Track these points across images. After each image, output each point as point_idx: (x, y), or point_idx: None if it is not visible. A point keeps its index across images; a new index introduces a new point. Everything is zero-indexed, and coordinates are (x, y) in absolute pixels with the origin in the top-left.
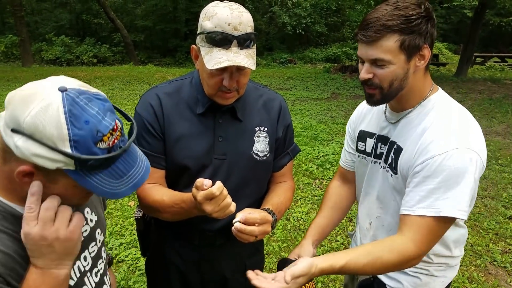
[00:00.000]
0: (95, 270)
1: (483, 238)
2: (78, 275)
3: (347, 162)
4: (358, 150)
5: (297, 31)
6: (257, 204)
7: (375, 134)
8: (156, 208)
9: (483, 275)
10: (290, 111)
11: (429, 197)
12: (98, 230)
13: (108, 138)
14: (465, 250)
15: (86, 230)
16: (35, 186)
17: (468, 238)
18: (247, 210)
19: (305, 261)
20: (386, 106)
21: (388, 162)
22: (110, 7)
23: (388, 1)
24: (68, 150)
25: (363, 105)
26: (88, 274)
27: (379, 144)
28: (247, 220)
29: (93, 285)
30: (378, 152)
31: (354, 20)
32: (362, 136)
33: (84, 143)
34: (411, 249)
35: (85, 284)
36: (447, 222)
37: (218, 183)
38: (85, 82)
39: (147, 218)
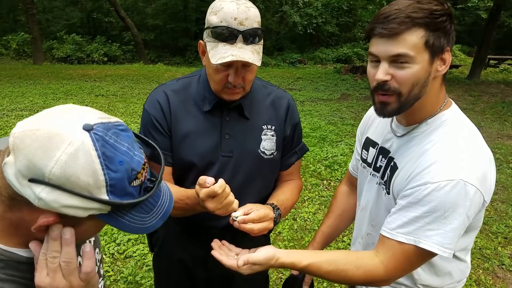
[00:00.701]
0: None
1: (492, 241)
2: None
3: (354, 168)
4: (361, 158)
5: (308, 31)
6: (263, 202)
7: (378, 144)
8: None
9: (490, 278)
10: (299, 112)
11: (411, 225)
12: (97, 250)
13: (142, 174)
14: (473, 253)
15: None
16: (67, 233)
17: (476, 242)
18: (248, 206)
19: (267, 251)
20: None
21: (384, 179)
22: (120, 5)
23: None
24: (105, 196)
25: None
26: None
27: (380, 156)
28: (245, 220)
29: None
30: (378, 165)
31: (366, 20)
32: (367, 143)
33: (120, 185)
34: (380, 272)
35: None
36: (426, 255)
37: (221, 181)
38: (95, 80)
39: None
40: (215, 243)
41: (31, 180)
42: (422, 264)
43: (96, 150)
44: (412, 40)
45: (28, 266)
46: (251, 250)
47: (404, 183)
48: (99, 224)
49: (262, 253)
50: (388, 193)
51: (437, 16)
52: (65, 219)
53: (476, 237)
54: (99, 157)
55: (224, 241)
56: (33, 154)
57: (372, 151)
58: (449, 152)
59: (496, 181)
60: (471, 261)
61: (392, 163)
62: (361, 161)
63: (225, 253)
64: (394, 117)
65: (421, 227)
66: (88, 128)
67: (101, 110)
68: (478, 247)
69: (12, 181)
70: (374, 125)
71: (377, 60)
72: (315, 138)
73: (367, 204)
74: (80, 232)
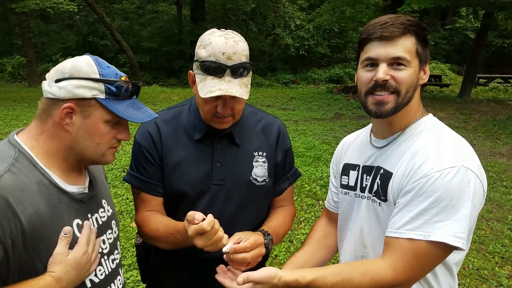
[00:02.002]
0: (112, 257)
1: (489, 261)
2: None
3: (330, 203)
4: (341, 185)
5: (300, 53)
6: (256, 230)
7: (359, 165)
8: (152, 237)
9: None
10: (293, 131)
11: (419, 219)
12: (114, 222)
13: (125, 80)
14: (470, 274)
15: (104, 217)
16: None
17: (473, 262)
18: (237, 235)
19: (269, 270)
20: (370, 135)
21: (374, 190)
22: (116, 29)
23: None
24: (99, 77)
25: (345, 139)
26: (105, 257)
27: (364, 175)
28: (236, 250)
29: (109, 269)
30: (363, 185)
31: (356, 42)
32: (346, 169)
33: (109, 77)
34: (387, 276)
35: (101, 265)
36: (439, 250)
37: (210, 217)
38: None
39: (147, 244)
40: (220, 268)
41: (57, 81)
42: (434, 266)
43: (92, 59)
44: (408, 45)
45: (51, 188)
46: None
47: (404, 180)
48: (105, 119)
49: (263, 272)
50: (385, 200)
51: (422, 28)
52: (79, 108)
53: (473, 257)
54: (93, 60)
55: (229, 267)
56: (56, 68)
57: (354, 174)
58: (444, 145)
59: (490, 199)
60: (468, 282)
61: (381, 171)
62: (341, 190)
63: (229, 277)
64: (372, 135)
65: (429, 219)
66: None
67: None
68: (476, 268)
69: (45, 89)
70: (349, 151)
71: (373, 64)
72: (310, 158)
73: (356, 226)
74: (92, 126)
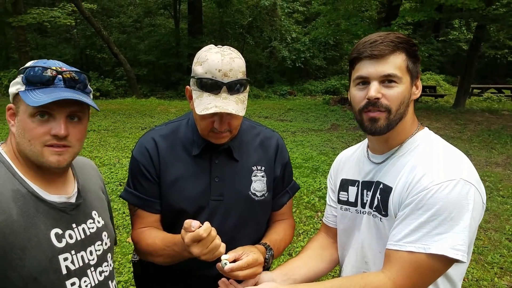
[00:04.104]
0: (100, 269)
1: (488, 272)
2: (80, 264)
3: (329, 218)
4: (340, 201)
5: (297, 65)
6: (258, 243)
7: (358, 181)
8: (149, 252)
9: None
10: (291, 142)
11: (418, 232)
12: (105, 233)
13: (42, 67)
14: (470, 286)
15: (93, 228)
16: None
17: (473, 273)
18: (239, 250)
19: (269, 284)
20: (367, 151)
21: (374, 205)
22: (113, 42)
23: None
24: (21, 75)
25: (342, 154)
26: (92, 269)
27: (365, 191)
28: (233, 270)
29: (96, 281)
30: (364, 201)
31: None
32: (344, 184)
33: (33, 69)
34: None
35: (87, 276)
36: (439, 262)
37: (206, 224)
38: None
39: (144, 262)
40: (223, 282)
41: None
42: (435, 279)
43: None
44: (398, 62)
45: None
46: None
47: (404, 194)
48: (26, 109)
49: (264, 285)
50: (386, 215)
51: (412, 45)
52: (14, 105)
53: (472, 267)
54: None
55: (232, 280)
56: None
57: (353, 189)
58: (442, 158)
59: (487, 209)
60: None
61: (381, 186)
62: (340, 206)
63: None
64: (369, 151)
65: (428, 232)
66: None
67: (92, 145)
68: (475, 279)
69: (10, 91)
70: (347, 166)
71: (364, 82)
72: (308, 169)
73: (356, 243)
74: (22, 121)
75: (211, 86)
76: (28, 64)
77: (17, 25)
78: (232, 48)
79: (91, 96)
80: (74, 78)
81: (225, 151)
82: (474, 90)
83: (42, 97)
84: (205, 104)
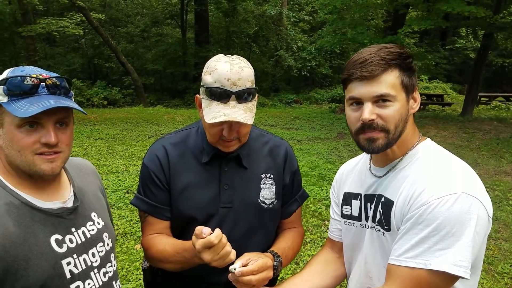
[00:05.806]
0: (103, 270)
1: (498, 282)
2: (83, 267)
3: (334, 232)
4: (343, 215)
5: (303, 73)
6: (266, 251)
7: (361, 194)
8: (160, 258)
9: None
10: (297, 151)
11: (419, 247)
12: (106, 234)
13: (22, 75)
14: None
15: (93, 230)
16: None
17: (483, 283)
18: (246, 256)
19: None
20: (370, 163)
21: (377, 219)
22: (121, 52)
23: (371, 46)
24: (2, 86)
25: (344, 167)
26: (96, 270)
27: (368, 204)
28: (243, 274)
29: (100, 283)
30: (368, 215)
31: None
32: (347, 198)
33: (12, 78)
34: None
35: (91, 278)
36: (440, 279)
37: (217, 231)
38: (95, 124)
39: (155, 268)
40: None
41: None
42: None
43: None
44: (391, 80)
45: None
46: None
47: (406, 208)
48: (12, 120)
49: None
50: (388, 229)
51: (405, 58)
52: None
53: (482, 278)
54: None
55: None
56: None
57: (356, 203)
58: (443, 171)
59: (497, 219)
60: None
61: (383, 199)
62: (344, 220)
63: None
64: (371, 163)
65: (429, 248)
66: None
67: (100, 153)
68: None
69: None
70: (349, 180)
71: (358, 103)
72: (314, 177)
73: (361, 257)
74: (8, 133)
75: (220, 95)
76: (5, 74)
77: (27, 34)
78: (241, 58)
79: (73, 99)
80: (56, 84)
81: (234, 158)
82: (482, 99)
83: (29, 107)
84: (214, 113)
